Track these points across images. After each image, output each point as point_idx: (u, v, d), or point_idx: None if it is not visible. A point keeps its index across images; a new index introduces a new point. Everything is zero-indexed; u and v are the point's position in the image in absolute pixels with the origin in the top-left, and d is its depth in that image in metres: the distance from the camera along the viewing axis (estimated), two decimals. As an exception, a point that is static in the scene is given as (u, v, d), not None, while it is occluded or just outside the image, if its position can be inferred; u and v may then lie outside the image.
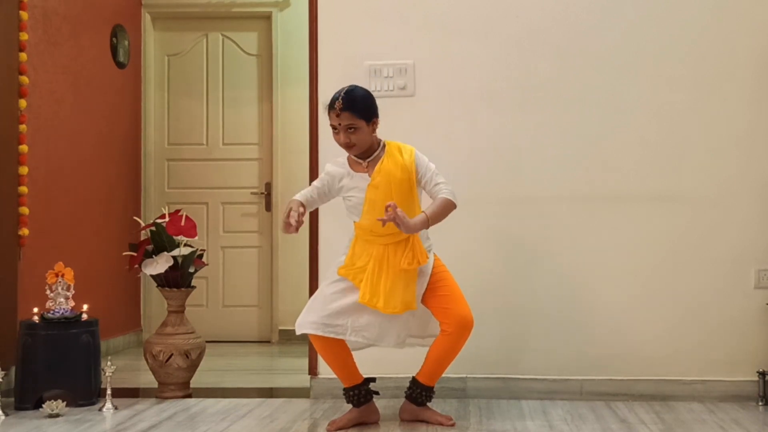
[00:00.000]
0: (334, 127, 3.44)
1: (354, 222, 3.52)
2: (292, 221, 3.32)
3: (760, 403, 3.95)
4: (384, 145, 3.52)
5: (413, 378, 3.59)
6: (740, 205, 4.09)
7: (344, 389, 3.57)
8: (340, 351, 3.49)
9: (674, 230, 4.11)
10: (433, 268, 3.52)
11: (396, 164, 3.45)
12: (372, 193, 3.43)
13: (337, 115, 3.39)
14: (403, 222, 3.28)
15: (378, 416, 3.62)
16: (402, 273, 3.39)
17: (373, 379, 3.63)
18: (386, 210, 3.28)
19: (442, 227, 3.62)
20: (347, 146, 3.45)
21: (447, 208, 3.44)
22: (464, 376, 4.12)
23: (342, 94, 3.41)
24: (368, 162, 3.49)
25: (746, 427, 3.55)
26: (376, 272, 3.39)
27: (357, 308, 3.42)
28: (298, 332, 3.46)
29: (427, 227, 3.44)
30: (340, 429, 3.51)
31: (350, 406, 3.59)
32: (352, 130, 3.40)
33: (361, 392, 3.56)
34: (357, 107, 3.39)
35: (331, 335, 3.41)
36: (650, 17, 4.14)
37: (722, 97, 4.11)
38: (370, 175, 3.46)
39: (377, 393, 3.64)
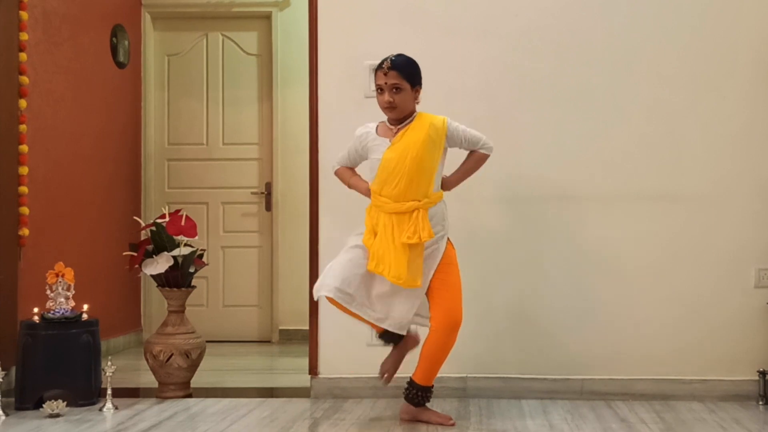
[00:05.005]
0: (379, 88, 3.51)
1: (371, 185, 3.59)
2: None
3: (761, 403, 3.95)
4: (416, 117, 3.57)
5: (410, 379, 3.60)
6: (740, 204, 4.09)
7: (378, 335, 3.65)
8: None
9: (674, 229, 4.11)
10: (444, 254, 3.53)
11: (420, 134, 3.48)
12: (388, 155, 3.47)
13: (385, 74, 3.48)
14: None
15: (418, 339, 3.65)
16: (407, 247, 3.41)
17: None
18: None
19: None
20: (389, 106, 3.50)
21: (479, 161, 3.63)
22: (464, 375, 4.12)
23: (391, 56, 3.51)
24: (398, 129, 3.54)
25: (746, 426, 3.55)
26: (383, 241, 3.44)
27: (369, 281, 3.48)
28: (315, 297, 3.53)
29: (457, 183, 3.64)
30: (388, 372, 3.61)
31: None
32: (397, 90, 3.48)
33: (389, 332, 3.60)
34: (404, 69, 3.49)
35: (341, 302, 3.46)
36: (648, 15, 4.14)
37: (721, 96, 4.11)
38: (390, 140, 3.52)
39: None
